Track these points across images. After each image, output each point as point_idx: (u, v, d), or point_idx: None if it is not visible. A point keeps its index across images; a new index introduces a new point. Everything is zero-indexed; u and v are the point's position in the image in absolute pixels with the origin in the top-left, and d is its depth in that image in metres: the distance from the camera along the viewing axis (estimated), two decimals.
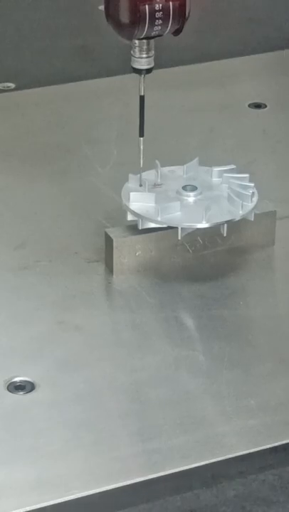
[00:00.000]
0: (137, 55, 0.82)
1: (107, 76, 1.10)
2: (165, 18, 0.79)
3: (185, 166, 0.89)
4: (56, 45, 1.20)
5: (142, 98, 0.85)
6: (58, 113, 1.07)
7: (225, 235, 0.86)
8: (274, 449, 0.73)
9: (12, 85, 1.11)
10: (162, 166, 0.89)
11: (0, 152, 1.01)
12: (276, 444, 0.73)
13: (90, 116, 1.06)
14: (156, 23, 0.79)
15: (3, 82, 1.11)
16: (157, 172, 0.88)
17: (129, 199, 0.86)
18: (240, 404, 0.76)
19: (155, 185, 0.88)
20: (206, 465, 0.71)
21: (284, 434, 0.73)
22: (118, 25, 0.81)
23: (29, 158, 1.00)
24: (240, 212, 0.86)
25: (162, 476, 0.70)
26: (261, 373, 0.79)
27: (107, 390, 0.77)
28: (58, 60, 1.17)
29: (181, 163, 0.90)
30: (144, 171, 0.88)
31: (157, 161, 0.88)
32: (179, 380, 0.78)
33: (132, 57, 0.83)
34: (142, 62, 0.83)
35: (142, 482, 0.70)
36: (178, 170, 0.89)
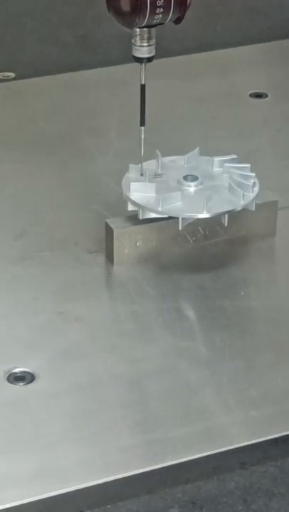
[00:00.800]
0: (138, 43, 0.83)
1: (108, 66, 1.10)
2: (166, 7, 0.80)
3: (186, 155, 0.89)
4: (56, 35, 1.21)
5: (142, 87, 0.85)
6: (58, 103, 1.08)
7: (226, 225, 0.87)
8: (275, 441, 0.73)
9: (12, 75, 1.11)
10: (163, 155, 0.89)
11: (2, 142, 1.01)
12: (277, 435, 0.73)
13: (90, 106, 1.07)
14: (157, 12, 0.80)
15: (3, 71, 1.12)
16: (158, 162, 0.88)
17: (129, 189, 0.86)
18: (241, 395, 0.76)
19: (156, 175, 0.88)
20: (207, 456, 0.71)
21: (285, 425, 0.73)
22: (119, 13, 0.81)
23: (29, 148, 1.00)
24: (242, 202, 0.86)
25: (163, 468, 0.70)
26: (262, 364, 0.79)
27: (108, 381, 0.77)
28: (58, 49, 1.17)
29: (182, 153, 0.90)
30: (144, 161, 0.88)
31: (158, 151, 0.88)
32: (180, 371, 0.78)
33: (133, 46, 0.83)
34: (143, 50, 0.83)
35: (142, 473, 0.70)
36: (179, 160, 0.90)
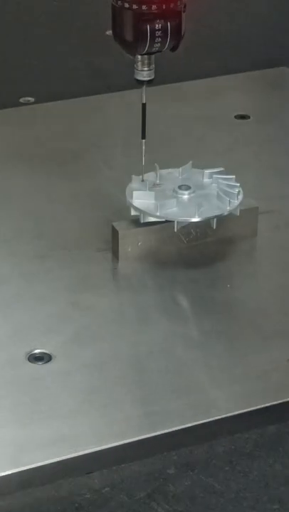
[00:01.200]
0: (140, 68, 0.83)
1: (114, 91, 1.10)
2: (164, 36, 0.80)
3: (180, 168, 0.89)
4: (71, 64, 1.21)
5: (143, 105, 0.85)
6: (71, 123, 1.07)
7: (214, 227, 0.87)
8: (256, 411, 0.73)
9: (32, 99, 1.11)
10: (161, 168, 0.89)
11: (21, 156, 1.01)
12: (258, 406, 0.73)
13: (99, 126, 1.07)
14: (156, 41, 0.80)
15: (25, 96, 1.11)
16: (156, 174, 0.88)
17: (132, 197, 0.86)
18: (227, 372, 0.76)
19: (155, 185, 0.88)
20: (198, 425, 0.71)
21: (265, 398, 0.73)
22: (123, 42, 0.81)
23: (46, 161, 1.01)
24: (228, 208, 0.86)
25: (160, 435, 0.71)
26: (245, 345, 0.79)
27: (114, 361, 0.77)
28: (72, 76, 1.18)
29: (177, 166, 0.90)
30: (145, 173, 0.89)
31: (156, 164, 0.88)
32: (175, 352, 0.78)
33: (136, 70, 0.83)
34: (144, 74, 0.83)
35: (143, 439, 0.70)
36: (174, 172, 0.89)
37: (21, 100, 1.11)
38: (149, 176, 0.88)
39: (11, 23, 1.32)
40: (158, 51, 0.81)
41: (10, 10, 1.35)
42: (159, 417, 0.72)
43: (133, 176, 0.88)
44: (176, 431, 0.71)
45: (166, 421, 0.71)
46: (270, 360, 0.77)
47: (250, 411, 0.72)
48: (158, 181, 0.88)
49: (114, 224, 0.87)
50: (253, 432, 0.72)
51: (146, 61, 0.82)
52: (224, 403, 0.73)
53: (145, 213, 0.85)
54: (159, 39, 0.80)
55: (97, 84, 1.13)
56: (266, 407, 0.73)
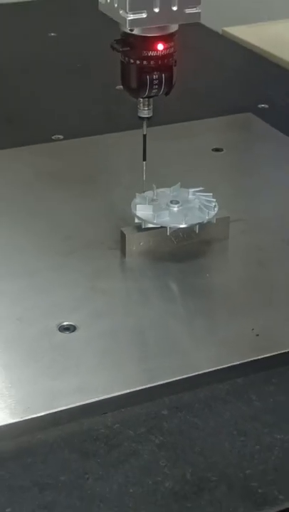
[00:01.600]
0: (141, 108, 0.83)
1: (124, 131, 1.09)
2: (159, 84, 0.80)
3: (171, 188, 0.89)
4: (91, 109, 1.20)
5: (144, 136, 0.85)
6: (90, 155, 1.06)
7: (197, 232, 0.87)
8: (228, 368, 0.73)
9: (61, 137, 1.11)
10: (157, 188, 0.89)
11: (52, 180, 1.00)
12: (229, 364, 0.73)
13: (111, 157, 1.06)
14: (153, 88, 0.80)
15: (56, 134, 1.11)
16: (154, 192, 0.88)
17: (136, 209, 0.86)
18: (206, 339, 0.76)
19: (152, 200, 0.88)
20: (185, 378, 0.72)
21: (234, 358, 0.74)
22: (129, 88, 0.82)
23: (71, 183, 1.00)
24: (207, 217, 0.86)
25: (156, 385, 0.71)
26: (221, 319, 0.79)
27: (122, 330, 0.77)
28: (92, 119, 1.17)
29: (169, 186, 0.90)
30: (146, 191, 0.89)
31: (154, 185, 0.88)
32: (168, 325, 0.78)
33: (138, 110, 0.83)
34: (145, 112, 0.83)
35: (144, 388, 0.71)
36: (167, 190, 0.89)
37: (53, 137, 1.11)
38: (148, 194, 0.88)
39: (48, 77, 1.31)
40: (155, 95, 0.81)
41: (46, 68, 1.35)
42: (156, 372, 0.72)
43: (137, 193, 0.88)
44: (168, 382, 0.71)
45: (161, 374, 0.72)
46: (238, 330, 0.77)
47: (223, 368, 0.73)
48: (155, 197, 0.88)
49: (122, 229, 0.87)
50: (226, 383, 0.73)
51: (146, 103, 0.83)
52: (204, 362, 0.73)
53: (145, 221, 0.85)
54: (156, 86, 0.80)
55: (111, 125, 1.12)
56: (234, 365, 0.73)
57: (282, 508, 0.62)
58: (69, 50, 1.39)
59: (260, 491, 0.63)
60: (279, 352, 0.74)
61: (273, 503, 0.62)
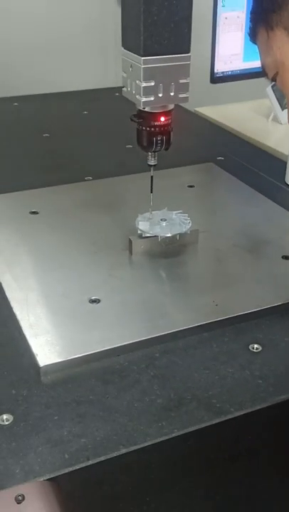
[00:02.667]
0: (150, 158, 0.81)
1: (134, 173, 1.07)
2: (162, 143, 0.79)
3: (161, 211, 0.89)
4: (111, 160, 1.17)
5: (151, 177, 0.84)
6: (112, 190, 1.04)
7: (178, 238, 0.86)
8: (197, 326, 0.73)
9: (91, 178, 1.09)
10: (152, 211, 0.88)
11: (86, 207, 0.98)
12: (198, 324, 0.73)
13: (126, 192, 1.04)
14: (158, 145, 0.79)
15: (87, 176, 1.08)
16: (150, 213, 0.88)
17: (138, 224, 0.86)
18: (184, 308, 0.76)
19: (149, 218, 0.87)
20: (171, 332, 0.71)
21: (200, 319, 0.73)
22: (142, 146, 0.80)
23: (97, 208, 0.98)
24: (184, 229, 0.85)
25: (152, 337, 0.71)
26: (192, 295, 0.79)
27: (130, 302, 0.76)
28: (111, 166, 1.14)
29: (159, 209, 0.89)
30: (144, 213, 0.87)
31: (150, 209, 0.87)
32: (160, 298, 0.77)
33: (148, 159, 0.81)
34: (152, 161, 0.82)
35: (145, 339, 0.70)
36: (158, 212, 0.89)
37: (85, 178, 1.09)
38: (146, 214, 0.88)
39: (83, 139, 1.29)
40: (159, 150, 0.80)
41: (83, 133, 1.32)
42: (151, 328, 0.71)
43: (139, 214, 0.88)
44: (159, 335, 0.71)
45: (155, 330, 0.71)
46: (204, 302, 0.76)
47: (194, 326, 0.72)
48: (150, 217, 0.87)
49: (130, 237, 0.86)
50: (196, 336, 0.72)
51: (153, 155, 0.81)
52: (182, 322, 0.73)
53: (144, 232, 0.85)
54: (160, 144, 0.78)
55: (123, 170, 1.10)
56: (201, 324, 0.73)
57: (232, 416, 0.62)
58: (96, 123, 1.38)
59: (218, 405, 0.63)
60: (230, 316, 0.74)
61: (227, 413, 0.62)
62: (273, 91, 1.36)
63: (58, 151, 1.20)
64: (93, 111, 1.43)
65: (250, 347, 0.70)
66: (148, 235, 0.85)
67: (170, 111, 0.77)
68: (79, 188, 1.05)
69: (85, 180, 1.08)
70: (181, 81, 0.72)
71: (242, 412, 0.62)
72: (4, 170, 1.12)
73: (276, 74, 0.74)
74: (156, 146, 0.78)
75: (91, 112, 1.42)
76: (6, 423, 0.59)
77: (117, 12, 1.87)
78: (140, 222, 0.86)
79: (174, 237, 0.86)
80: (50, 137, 1.27)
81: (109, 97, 1.49)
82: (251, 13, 0.75)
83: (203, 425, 0.60)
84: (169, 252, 0.86)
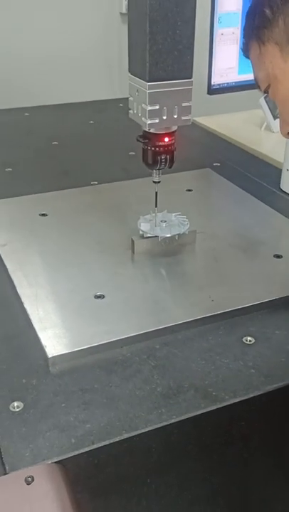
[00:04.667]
0: (154, 175, 0.81)
1: (136, 178, 1.07)
2: (166, 161, 0.78)
3: (161, 213, 0.88)
4: (116, 167, 1.17)
5: (156, 193, 0.84)
6: (117, 194, 1.04)
7: (177, 238, 0.86)
8: (195, 320, 0.72)
9: (96, 183, 1.08)
10: (153, 213, 0.88)
11: (92, 209, 0.98)
12: (195, 318, 0.72)
13: (127, 194, 1.03)
14: (162, 163, 0.79)
15: (93, 181, 1.08)
16: (151, 215, 0.88)
17: (140, 225, 0.86)
18: (182, 303, 0.75)
19: (150, 220, 0.87)
20: (170, 326, 0.71)
21: (199, 314, 0.73)
22: (147, 164, 0.80)
23: (103, 211, 0.98)
24: (183, 230, 0.85)
25: (152, 330, 0.70)
26: (190, 291, 0.78)
27: (134, 297, 0.75)
28: (115, 172, 1.14)
29: (160, 212, 0.88)
30: (146, 215, 0.87)
31: (151, 211, 0.87)
32: (160, 294, 0.77)
33: (152, 177, 0.82)
34: (156, 178, 0.82)
35: (146, 332, 0.70)
36: (159, 214, 0.88)
37: (91, 183, 1.08)
38: (148, 216, 0.88)
39: (89, 148, 1.28)
40: (163, 168, 0.80)
41: (88, 143, 1.32)
42: (151, 322, 0.71)
43: (141, 216, 0.87)
44: (159, 328, 0.71)
45: (154, 324, 0.71)
46: (201, 297, 0.76)
47: (192, 320, 0.72)
48: (152, 218, 0.87)
49: (133, 237, 0.86)
50: (194, 329, 0.72)
51: (157, 173, 0.81)
52: (180, 316, 0.73)
53: (146, 233, 0.85)
54: (164, 163, 0.78)
55: (126, 175, 1.10)
56: (198, 318, 0.72)
57: (227, 403, 0.62)
58: (101, 132, 1.38)
59: (214, 393, 0.63)
60: (225, 310, 0.74)
61: (222, 400, 0.62)
62: (266, 102, 1.36)
63: (66, 158, 1.20)
64: (99, 120, 1.43)
65: (243, 339, 0.70)
66: (149, 235, 0.85)
67: (173, 132, 0.77)
68: (85, 192, 1.05)
69: (91, 184, 1.08)
70: (184, 104, 0.72)
71: (236, 400, 0.62)
72: (16, 175, 1.12)
73: (268, 86, 0.74)
74: (160, 164, 0.78)
75: (96, 121, 1.42)
76: (17, 410, 0.60)
77: (121, 29, 1.90)
78: (142, 224, 0.86)
79: (173, 237, 0.85)
80: (59, 145, 1.27)
81: (114, 108, 1.49)
82: (244, 29, 0.74)
83: (200, 412, 0.60)
84: (169, 251, 0.86)
